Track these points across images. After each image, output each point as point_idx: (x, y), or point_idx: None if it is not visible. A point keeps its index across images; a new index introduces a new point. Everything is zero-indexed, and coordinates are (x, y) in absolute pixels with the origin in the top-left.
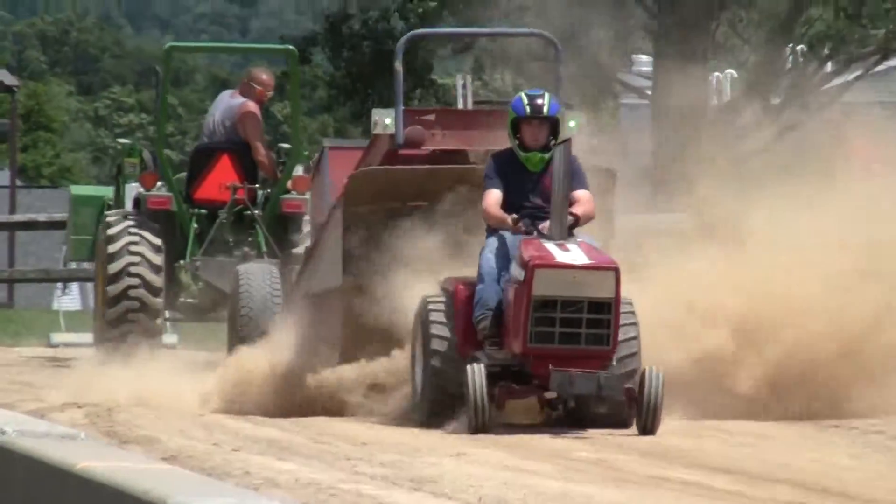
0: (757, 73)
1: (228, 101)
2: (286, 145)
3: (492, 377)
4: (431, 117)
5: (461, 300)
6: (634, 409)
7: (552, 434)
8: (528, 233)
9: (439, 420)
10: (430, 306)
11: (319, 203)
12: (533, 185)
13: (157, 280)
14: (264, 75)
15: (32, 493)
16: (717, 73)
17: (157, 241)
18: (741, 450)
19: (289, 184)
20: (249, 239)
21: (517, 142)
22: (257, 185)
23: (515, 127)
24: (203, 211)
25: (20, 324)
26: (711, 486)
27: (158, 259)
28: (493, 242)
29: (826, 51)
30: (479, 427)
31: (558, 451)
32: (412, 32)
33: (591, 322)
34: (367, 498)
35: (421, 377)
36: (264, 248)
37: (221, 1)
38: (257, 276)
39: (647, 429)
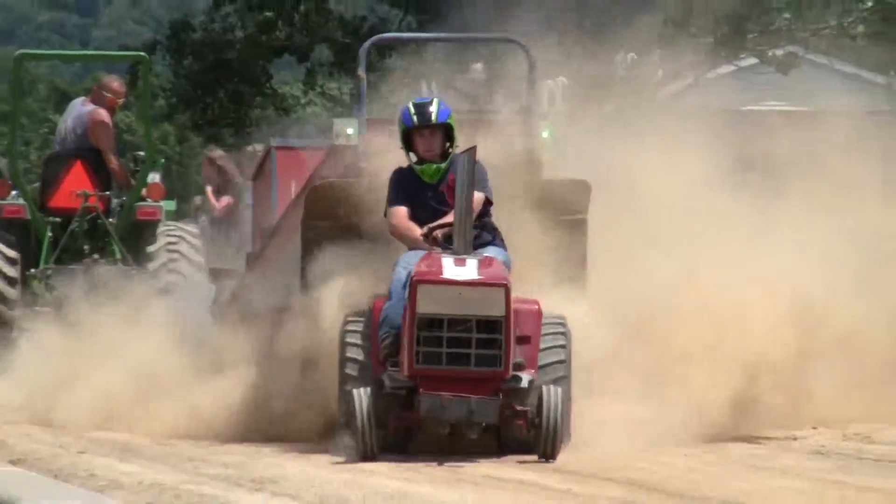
0: (588, 80)
1: (80, 109)
2: (140, 153)
3: (394, 400)
4: (393, 129)
5: (377, 317)
6: (534, 434)
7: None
8: (443, 244)
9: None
10: (348, 326)
11: (266, 203)
12: (433, 194)
13: (13, 293)
14: (115, 83)
15: None
16: (549, 81)
17: (12, 254)
18: (577, 452)
19: (143, 191)
20: (102, 246)
21: (412, 155)
22: (109, 193)
23: (407, 139)
24: (57, 219)
25: None
26: (546, 486)
27: (13, 271)
28: (406, 258)
29: (655, 58)
30: (367, 453)
31: (404, 458)
32: (376, 37)
33: (481, 342)
34: (209, 497)
35: (339, 405)
36: (118, 256)
37: (62, 11)
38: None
39: (548, 454)
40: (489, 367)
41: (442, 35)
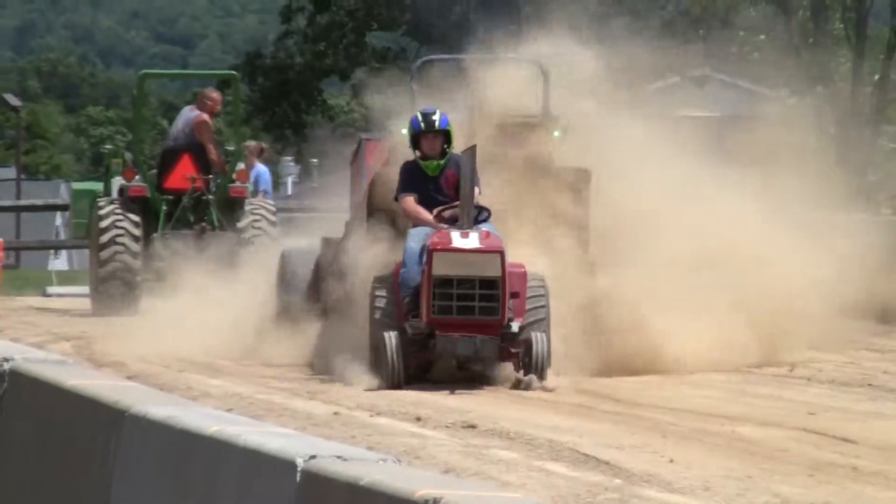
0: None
1: (188, 114)
2: (230, 147)
3: (414, 343)
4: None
5: (398, 279)
6: (522, 370)
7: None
8: (448, 222)
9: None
10: (376, 284)
11: (358, 182)
12: (434, 185)
13: (136, 247)
14: (214, 94)
15: (35, 404)
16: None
17: (136, 219)
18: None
19: (234, 175)
20: (205, 217)
21: (417, 153)
22: (210, 177)
23: (415, 141)
24: (170, 197)
25: (24, 280)
26: (525, 396)
27: (137, 232)
28: (415, 233)
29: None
30: (395, 385)
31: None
32: (426, 57)
33: (483, 297)
34: (276, 405)
35: (371, 353)
36: (216, 224)
37: (168, 44)
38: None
39: (529, 387)
40: (489, 315)
41: (478, 55)
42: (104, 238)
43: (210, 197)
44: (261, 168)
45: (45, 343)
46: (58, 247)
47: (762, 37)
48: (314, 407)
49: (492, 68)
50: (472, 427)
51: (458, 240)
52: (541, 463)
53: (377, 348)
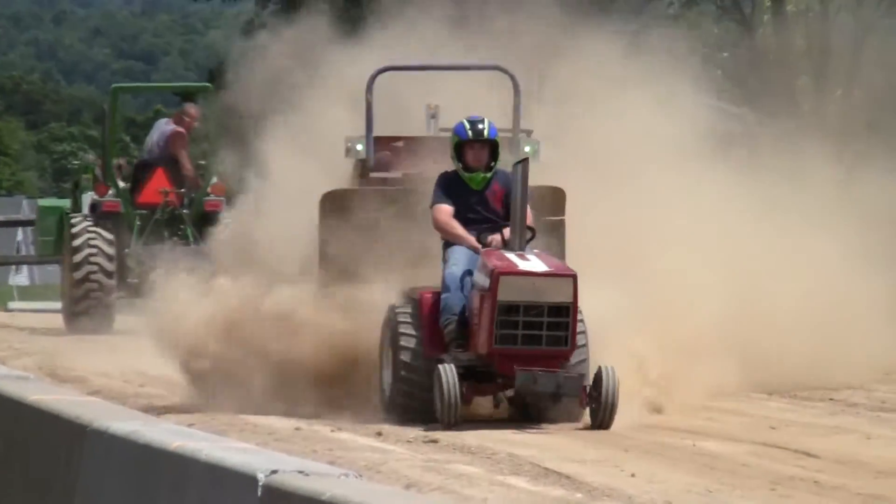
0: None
1: (163, 127)
2: (203, 161)
3: (465, 377)
4: (400, 144)
5: (427, 307)
6: (590, 407)
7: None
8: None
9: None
10: (399, 314)
11: None
12: (477, 200)
13: (110, 266)
14: (193, 109)
15: None
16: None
17: (110, 236)
18: None
19: (209, 189)
20: (179, 232)
21: (460, 164)
22: (183, 191)
23: (459, 150)
24: (144, 211)
25: None
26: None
27: (111, 250)
28: (455, 255)
29: None
30: (450, 422)
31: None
32: (382, 66)
33: (551, 325)
34: (238, 420)
35: (390, 379)
36: (191, 238)
37: (130, 60)
38: None
39: (604, 425)
40: (558, 346)
41: (441, 64)
42: (78, 257)
43: (185, 211)
44: None
45: (8, 358)
46: (19, 262)
47: (725, 54)
48: (276, 421)
49: (456, 78)
50: (434, 442)
51: (521, 262)
52: (502, 477)
53: (410, 381)
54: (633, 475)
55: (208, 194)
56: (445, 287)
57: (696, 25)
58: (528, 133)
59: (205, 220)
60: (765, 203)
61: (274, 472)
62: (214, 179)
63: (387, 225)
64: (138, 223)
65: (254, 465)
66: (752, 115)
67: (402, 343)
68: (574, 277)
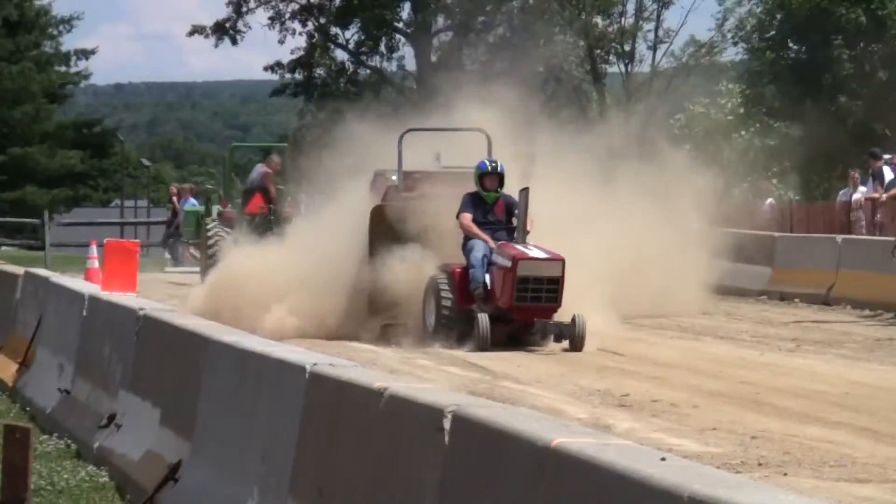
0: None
1: (260, 169)
2: (282, 186)
3: (493, 320)
4: (417, 175)
5: (458, 277)
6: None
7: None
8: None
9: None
10: (439, 280)
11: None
12: (489, 210)
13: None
14: (276, 158)
15: (158, 335)
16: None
17: (228, 230)
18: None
19: (286, 204)
20: (270, 230)
21: (480, 186)
22: (271, 206)
23: (480, 178)
24: (249, 217)
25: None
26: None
27: (229, 238)
28: (476, 245)
29: None
30: (482, 348)
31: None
32: (408, 129)
33: (548, 290)
34: (292, 340)
35: (433, 322)
36: (275, 232)
37: (234, 130)
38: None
39: (578, 349)
40: (552, 303)
41: (446, 128)
42: (210, 241)
43: (272, 217)
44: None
45: (163, 299)
46: (173, 240)
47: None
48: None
49: (453, 135)
50: (401, 347)
51: (530, 251)
52: (444, 367)
53: (448, 320)
54: (518, 366)
55: (284, 207)
56: (472, 265)
57: None
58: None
59: (283, 222)
60: (617, 205)
61: (315, 364)
62: (289, 198)
63: (417, 225)
64: (245, 224)
65: (303, 360)
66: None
67: (443, 300)
68: (562, 261)
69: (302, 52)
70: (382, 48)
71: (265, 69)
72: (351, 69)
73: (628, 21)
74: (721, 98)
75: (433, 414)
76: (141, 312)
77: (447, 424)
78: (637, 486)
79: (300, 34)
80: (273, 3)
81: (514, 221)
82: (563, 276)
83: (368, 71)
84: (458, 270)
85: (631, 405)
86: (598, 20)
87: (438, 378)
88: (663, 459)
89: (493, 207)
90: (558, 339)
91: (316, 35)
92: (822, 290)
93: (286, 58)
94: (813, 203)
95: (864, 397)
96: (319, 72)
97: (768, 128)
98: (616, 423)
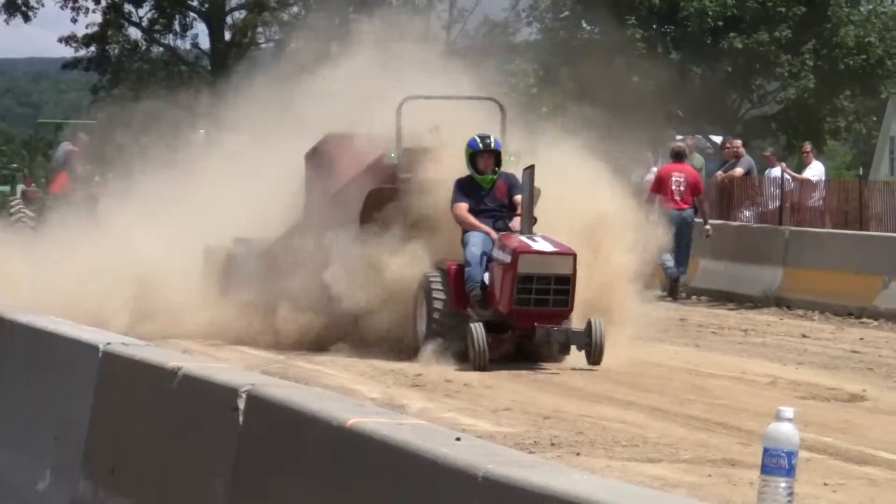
0: None
1: (66, 147)
2: (89, 166)
3: (490, 329)
4: (418, 153)
5: (453, 275)
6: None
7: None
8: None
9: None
10: (431, 279)
11: (321, 176)
12: (486, 195)
13: (32, 223)
14: (84, 137)
15: None
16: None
17: (33, 209)
18: None
19: (92, 186)
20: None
21: (473, 168)
22: (77, 185)
23: (472, 159)
24: (53, 197)
25: None
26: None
27: (33, 215)
28: (473, 239)
29: None
30: (480, 366)
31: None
32: (407, 96)
33: (556, 291)
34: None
35: (424, 328)
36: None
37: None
38: None
39: (597, 362)
40: (561, 307)
41: (451, 95)
42: (13, 219)
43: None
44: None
45: None
46: None
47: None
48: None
49: (460, 105)
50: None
51: (535, 244)
52: (237, 347)
53: (439, 333)
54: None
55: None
56: (468, 262)
57: None
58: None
59: (90, 202)
60: None
61: (108, 343)
62: (97, 178)
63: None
64: (47, 203)
65: (96, 339)
66: None
67: (435, 302)
68: (574, 255)
69: (97, 28)
70: (176, 26)
71: (59, 41)
72: (144, 47)
73: (422, 1)
74: (514, 79)
75: (227, 394)
76: None
77: (242, 404)
78: (432, 465)
79: (94, 11)
80: None
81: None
82: (574, 274)
83: (162, 49)
84: (455, 267)
85: (424, 385)
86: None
87: (232, 357)
88: (458, 439)
89: (492, 191)
90: (565, 350)
91: (110, 13)
92: None
93: (81, 32)
94: None
95: (655, 378)
96: (113, 49)
97: (562, 109)
98: (410, 402)
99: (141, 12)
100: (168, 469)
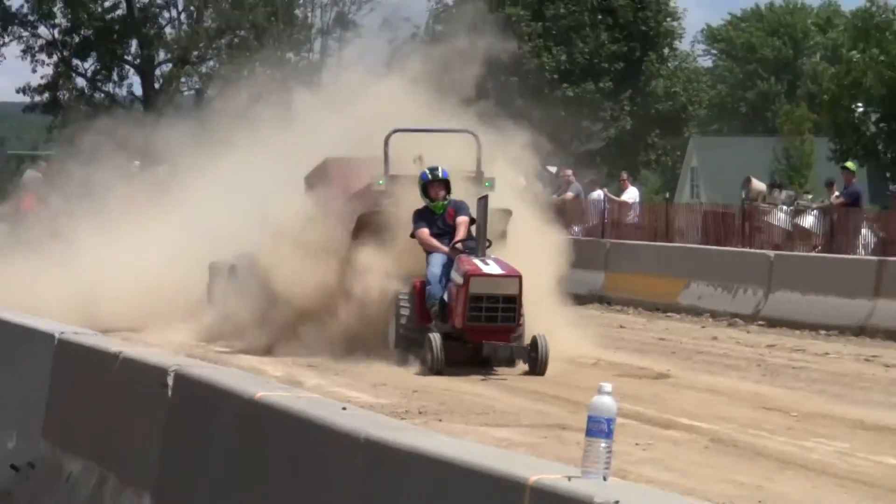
0: None
1: (31, 174)
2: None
3: (446, 339)
4: (404, 181)
5: (419, 292)
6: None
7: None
8: (461, 251)
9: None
10: (400, 296)
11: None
12: (440, 220)
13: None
14: (45, 165)
15: None
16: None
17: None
18: None
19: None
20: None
21: (427, 198)
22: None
23: (424, 189)
24: (23, 213)
25: None
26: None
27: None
28: (434, 259)
29: None
30: (437, 371)
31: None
32: (394, 129)
33: (504, 309)
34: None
35: (393, 337)
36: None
37: None
38: None
39: (541, 373)
40: (509, 323)
41: (435, 128)
42: None
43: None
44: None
45: None
46: None
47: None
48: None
49: (441, 137)
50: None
51: (485, 267)
52: (167, 334)
53: (406, 341)
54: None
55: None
56: (429, 281)
57: None
58: (483, 175)
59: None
60: None
61: (62, 332)
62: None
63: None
64: (18, 217)
65: (52, 328)
66: None
67: (402, 317)
68: (520, 277)
69: (49, 79)
70: (115, 77)
71: (17, 91)
72: (89, 94)
73: (315, 57)
74: None
75: (159, 373)
76: None
77: (170, 381)
78: (324, 429)
79: (47, 64)
80: (24, 38)
81: (466, 230)
82: (520, 294)
83: (103, 95)
84: (419, 284)
85: (318, 366)
86: (291, 56)
87: (163, 343)
88: (344, 409)
89: (443, 216)
90: (510, 364)
91: (60, 65)
92: None
93: (35, 82)
94: None
95: None
96: (63, 95)
97: None
98: (306, 379)
99: (86, 65)
100: (111, 433)
